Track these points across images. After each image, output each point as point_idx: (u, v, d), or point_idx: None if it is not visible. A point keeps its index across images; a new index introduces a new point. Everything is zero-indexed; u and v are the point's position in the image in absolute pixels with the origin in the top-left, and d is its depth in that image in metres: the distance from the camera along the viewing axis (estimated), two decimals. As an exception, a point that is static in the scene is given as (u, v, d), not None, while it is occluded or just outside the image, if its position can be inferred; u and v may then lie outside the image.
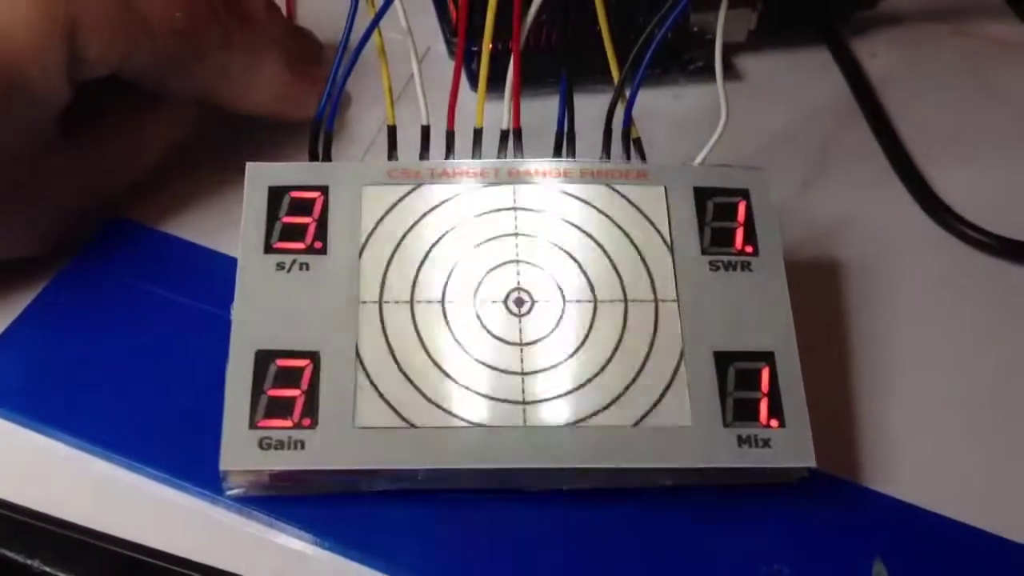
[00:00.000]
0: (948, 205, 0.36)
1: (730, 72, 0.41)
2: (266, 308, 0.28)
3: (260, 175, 0.30)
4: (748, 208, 0.30)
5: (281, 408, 0.27)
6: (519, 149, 0.31)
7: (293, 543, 0.28)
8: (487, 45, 0.30)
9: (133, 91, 0.32)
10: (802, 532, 0.29)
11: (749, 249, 0.30)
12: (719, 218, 0.30)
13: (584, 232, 0.30)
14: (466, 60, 0.38)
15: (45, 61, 0.28)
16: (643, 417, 0.28)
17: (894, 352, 0.33)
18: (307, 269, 0.29)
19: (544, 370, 0.28)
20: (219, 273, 0.30)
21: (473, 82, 0.38)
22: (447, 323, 0.28)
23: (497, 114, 0.31)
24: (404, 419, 0.27)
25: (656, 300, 0.29)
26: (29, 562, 0.27)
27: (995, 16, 0.44)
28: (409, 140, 0.31)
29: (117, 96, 0.32)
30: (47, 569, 0.27)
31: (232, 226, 0.30)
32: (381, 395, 0.27)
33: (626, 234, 0.30)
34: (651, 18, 0.31)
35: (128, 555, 0.27)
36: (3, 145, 0.29)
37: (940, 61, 0.42)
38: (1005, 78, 0.42)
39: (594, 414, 0.28)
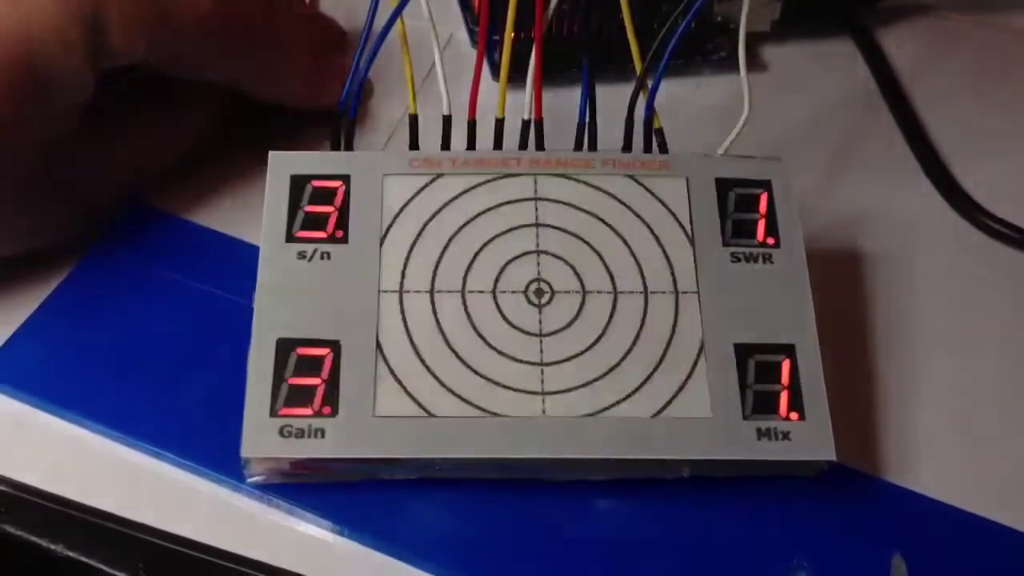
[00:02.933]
0: (972, 197, 0.36)
1: (754, 62, 0.40)
2: (287, 297, 0.28)
3: (283, 164, 0.30)
4: (770, 199, 0.30)
5: (302, 396, 0.27)
6: (540, 139, 0.31)
7: (314, 530, 0.28)
8: (508, 36, 0.30)
9: (162, 80, 0.32)
10: (822, 526, 0.28)
11: (771, 241, 0.30)
12: (741, 209, 0.30)
13: (605, 223, 0.30)
14: (489, 49, 0.39)
15: (69, 51, 0.28)
16: (662, 408, 0.27)
17: (917, 345, 0.33)
18: (328, 258, 0.29)
19: (563, 361, 0.28)
20: (242, 261, 0.30)
21: (496, 71, 0.38)
22: (467, 313, 0.28)
23: (519, 103, 0.31)
24: (423, 408, 0.27)
25: (677, 292, 0.29)
26: (52, 547, 0.27)
27: (1022, 7, 0.43)
28: (431, 129, 0.31)
29: (147, 85, 0.32)
30: (70, 554, 0.27)
31: (255, 214, 0.30)
32: (401, 384, 0.27)
33: (647, 225, 0.30)
34: (675, 7, 0.31)
35: (150, 540, 0.28)
36: (30, 134, 0.29)
37: (966, 52, 0.42)
38: (1031, 70, 0.41)
39: (613, 405, 0.27)
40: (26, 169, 0.29)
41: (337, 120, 0.31)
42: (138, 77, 0.31)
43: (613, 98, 0.32)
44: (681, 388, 0.28)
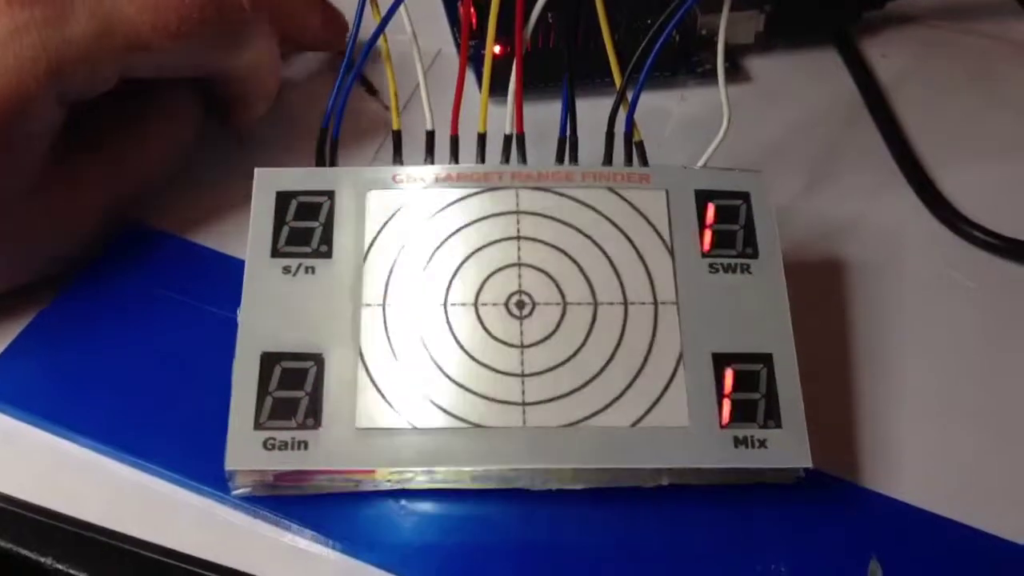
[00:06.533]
0: (954, 206, 0.36)
1: (739, 74, 0.41)
2: (272, 311, 0.29)
3: (268, 180, 0.30)
4: (748, 211, 0.31)
5: (285, 409, 0.28)
6: (522, 153, 0.31)
7: (299, 541, 0.28)
8: (489, 50, 0.31)
9: (128, 104, 0.32)
10: (800, 532, 0.29)
11: (749, 252, 0.30)
12: (720, 221, 0.30)
13: (585, 235, 0.30)
14: (476, 61, 0.39)
15: (31, 105, 0.28)
16: (641, 418, 0.28)
17: (897, 352, 0.33)
18: (312, 273, 0.29)
19: (544, 372, 0.28)
20: (228, 276, 0.31)
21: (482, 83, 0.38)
22: (449, 326, 0.29)
23: (503, 116, 0.31)
24: (406, 420, 0.28)
25: (656, 302, 0.29)
26: (42, 559, 0.28)
27: (1007, 16, 0.44)
28: (418, 144, 0.31)
29: (117, 111, 0.32)
30: (59, 566, 0.28)
31: (241, 229, 0.30)
32: (383, 397, 0.28)
33: (627, 237, 0.30)
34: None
35: (138, 553, 0.28)
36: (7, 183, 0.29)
37: (950, 61, 0.42)
38: (1016, 79, 0.42)
39: (593, 415, 0.28)
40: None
41: (322, 136, 0.31)
42: (110, 105, 0.31)
43: (598, 109, 0.32)
44: (660, 398, 0.28)
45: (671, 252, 0.30)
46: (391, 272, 0.29)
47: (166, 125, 0.34)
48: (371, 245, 0.30)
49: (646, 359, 0.29)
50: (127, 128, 0.33)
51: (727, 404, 0.28)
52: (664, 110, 0.39)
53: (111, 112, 0.32)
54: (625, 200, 0.31)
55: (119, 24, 0.29)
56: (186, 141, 0.34)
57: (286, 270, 0.29)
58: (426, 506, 0.29)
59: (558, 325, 0.29)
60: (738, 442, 0.28)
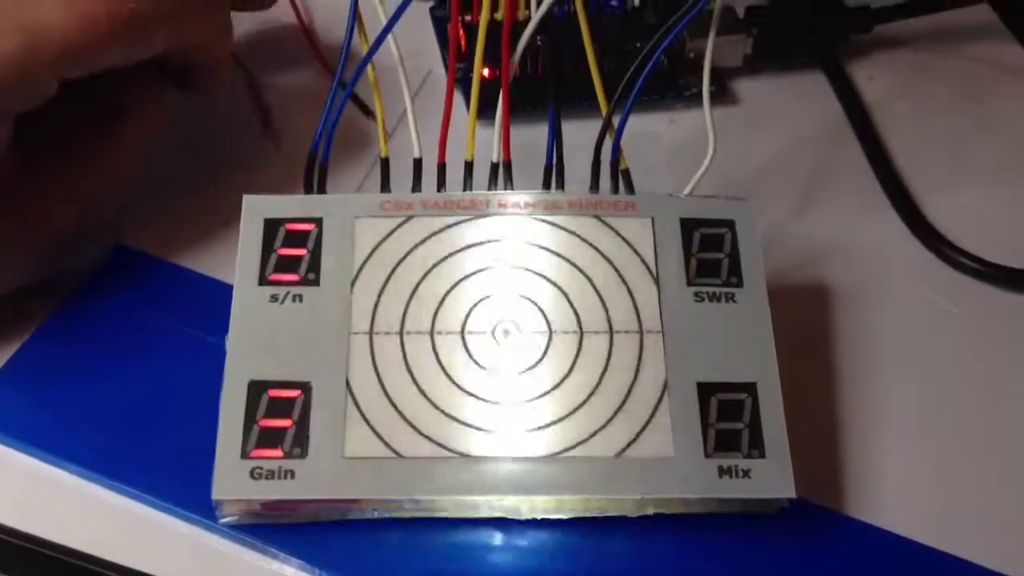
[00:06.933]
0: (939, 231, 0.37)
1: (726, 97, 0.41)
2: (260, 340, 0.29)
3: (256, 207, 0.31)
4: (733, 239, 0.31)
5: (272, 438, 0.28)
6: (509, 181, 0.32)
7: (286, 570, 0.29)
8: (477, 75, 0.31)
9: (98, 103, 0.32)
10: (785, 561, 0.29)
11: (734, 280, 0.30)
12: (705, 249, 0.31)
13: (571, 263, 0.30)
14: (465, 83, 0.39)
15: None
16: (626, 447, 0.28)
17: (882, 379, 0.33)
18: (300, 301, 0.29)
19: (530, 400, 0.29)
20: (218, 302, 0.30)
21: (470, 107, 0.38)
22: (436, 354, 0.29)
23: (491, 138, 0.31)
24: (392, 449, 0.28)
25: (641, 331, 0.29)
26: (29, 587, 0.28)
27: (993, 40, 0.44)
28: (407, 170, 0.32)
29: (83, 112, 0.32)
30: (46, 594, 0.28)
31: (229, 253, 0.30)
32: (370, 425, 0.28)
33: (613, 265, 0.30)
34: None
35: (125, 581, 0.28)
36: None
37: (937, 85, 0.42)
38: (1001, 103, 0.42)
39: (578, 444, 0.28)
40: None
41: (310, 163, 0.31)
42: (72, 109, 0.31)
43: (588, 133, 0.32)
44: (644, 427, 0.28)
45: (656, 280, 0.30)
46: (378, 300, 0.30)
47: (136, 122, 0.33)
48: (359, 273, 0.30)
49: (631, 388, 0.29)
50: (97, 128, 0.32)
51: (712, 433, 0.28)
52: (653, 133, 0.39)
53: (78, 114, 0.32)
54: (611, 228, 0.31)
55: (47, 33, 0.28)
56: (160, 135, 0.34)
57: (274, 298, 0.29)
58: (412, 534, 0.29)
59: (544, 354, 0.29)
60: (722, 472, 0.28)
